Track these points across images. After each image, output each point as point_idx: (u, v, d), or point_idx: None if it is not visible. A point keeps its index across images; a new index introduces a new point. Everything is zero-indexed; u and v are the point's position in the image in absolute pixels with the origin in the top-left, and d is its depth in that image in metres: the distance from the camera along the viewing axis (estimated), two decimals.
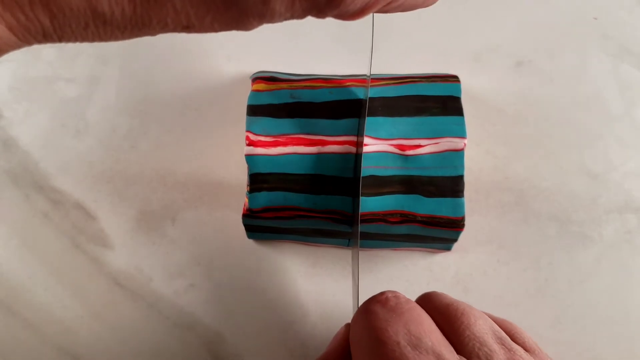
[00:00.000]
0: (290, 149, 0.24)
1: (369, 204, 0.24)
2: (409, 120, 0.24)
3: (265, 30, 0.26)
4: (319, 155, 0.24)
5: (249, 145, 0.24)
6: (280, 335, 0.27)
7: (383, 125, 0.24)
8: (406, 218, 0.24)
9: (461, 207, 0.24)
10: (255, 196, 0.24)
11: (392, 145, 0.24)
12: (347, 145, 0.24)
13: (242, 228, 0.26)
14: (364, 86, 0.25)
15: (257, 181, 0.24)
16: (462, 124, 0.24)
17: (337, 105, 0.25)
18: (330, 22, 0.32)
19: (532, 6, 0.31)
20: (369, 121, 0.24)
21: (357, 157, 0.24)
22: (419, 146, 0.24)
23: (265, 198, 0.24)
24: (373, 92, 0.25)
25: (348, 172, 0.24)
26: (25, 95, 0.31)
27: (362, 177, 0.24)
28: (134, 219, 0.28)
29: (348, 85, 0.25)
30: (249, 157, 0.24)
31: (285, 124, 0.24)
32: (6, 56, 0.35)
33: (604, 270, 0.27)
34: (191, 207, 0.28)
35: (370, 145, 0.24)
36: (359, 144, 0.24)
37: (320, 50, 0.31)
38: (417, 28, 0.27)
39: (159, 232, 0.28)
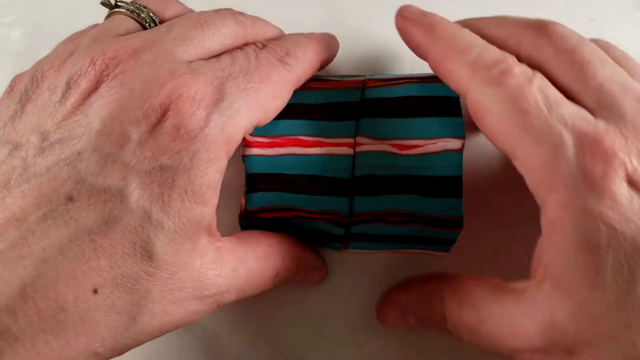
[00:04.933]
0: (287, 149, 0.24)
1: (367, 204, 0.24)
2: (407, 121, 0.24)
3: None
4: (316, 156, 0.24)
5: (245, 145, 0.24)
6: (278, 336, 0.27)
7: (381, 125, 0.24)
8: (406, 218, 0.24)
9: (459, 207, 0.23)
10: (252, 197, 0.24)
11: (390, 145, 0.24)
12: (345, 147, 0.24)
13: (240, 229, 0.26)
14: (361, 87, 0.25)
15: (254, 182, 0.24)
16: (461, 124, 0.24)
17: (334, 106, 0.25)
18: (327, 24, 0.32)
19: (530, 7, 0.31)
20: (367, 122, 0.24)
21: (355, 157, 0.24)
22: (417, 146, 0.24)
23: (262, 199, 0.24)
24: (371, 93, 0.25)
25: (346, 173, 0.24)
26: None
27: (361, 177, 0.24)
28: None
29: (345, 87, 0.25)
30: (246, 158, 0.24)
31: (282, 125, 0.24)
32: (4, 57, 0.35)
33: None
34: None
35: (368, 145, 0.24)
36: (357, 145, 0.24)
37: None
38: None
39: None
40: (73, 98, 0.19)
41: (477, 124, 0.21)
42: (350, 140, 0.24)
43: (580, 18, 0.32)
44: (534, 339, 0.19)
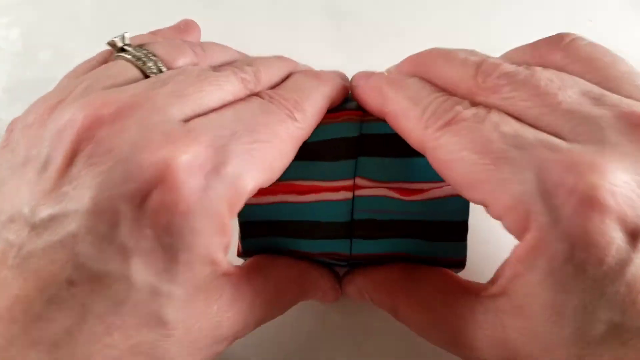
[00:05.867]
0: (282, 197, 0.22)
1: (366, 246, 0.22)
2: (410, 161, 0.22)
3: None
4: (313, 203, 0.22)
5: None
6: (278, 336, 0.27)
7: (381, 166, 0.22)
8: (406, 257, 0.23)
9: (463, 249, 0.22)
10: (248, 242, 0.23)
11: (391, 189, 0.22)
12: (343, 192, 0.22)
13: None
14: (359, 118, 0.23)
15: (249, 229, 0.23)
16: None
17: (331, 144, 0.22)
18: (329, 37, 0.32)
19: (528, 8, 0.31)
20: (366, 162, 0.22)
21: (354, 201, 0.22)
22: (422, 191, 0.22)
23: (259, 243, 0.23)
24: (370, 127, 0.22)
25: (345, 217, 0.22)
26: (20, 97, 0.31)
27: (360, 221, 0.22)
28: None
29: (342, 120, 0.23)
30: None
31: None
32: (2, 57, 0.35)
33: None
34: None
35: (368, 189, 0.22)
36: (356, 188, 0.22)
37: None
38: (412, 32, 0.27)
39: None
40: (56, 163, 0.17)
41: (445, 180, 0.19)
42: (349, 183, 0.22)
43: (579, 19, 0.32)
44: (485, 351, 0.19)
